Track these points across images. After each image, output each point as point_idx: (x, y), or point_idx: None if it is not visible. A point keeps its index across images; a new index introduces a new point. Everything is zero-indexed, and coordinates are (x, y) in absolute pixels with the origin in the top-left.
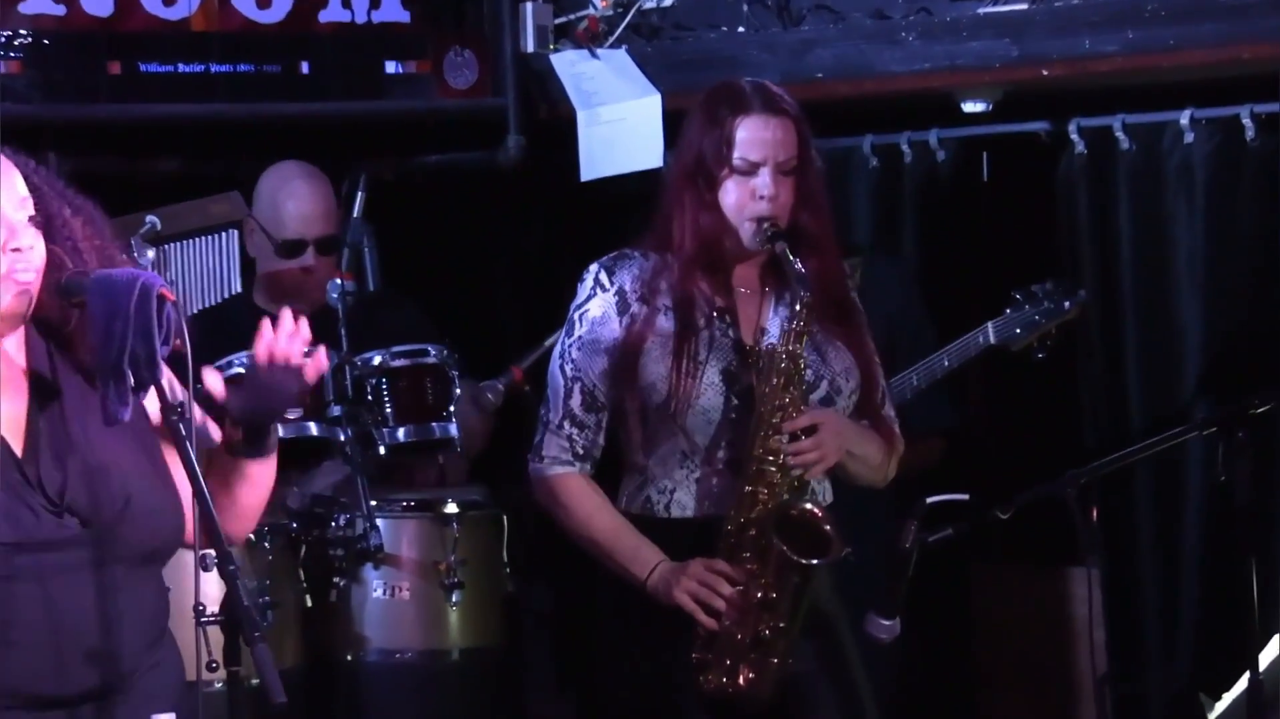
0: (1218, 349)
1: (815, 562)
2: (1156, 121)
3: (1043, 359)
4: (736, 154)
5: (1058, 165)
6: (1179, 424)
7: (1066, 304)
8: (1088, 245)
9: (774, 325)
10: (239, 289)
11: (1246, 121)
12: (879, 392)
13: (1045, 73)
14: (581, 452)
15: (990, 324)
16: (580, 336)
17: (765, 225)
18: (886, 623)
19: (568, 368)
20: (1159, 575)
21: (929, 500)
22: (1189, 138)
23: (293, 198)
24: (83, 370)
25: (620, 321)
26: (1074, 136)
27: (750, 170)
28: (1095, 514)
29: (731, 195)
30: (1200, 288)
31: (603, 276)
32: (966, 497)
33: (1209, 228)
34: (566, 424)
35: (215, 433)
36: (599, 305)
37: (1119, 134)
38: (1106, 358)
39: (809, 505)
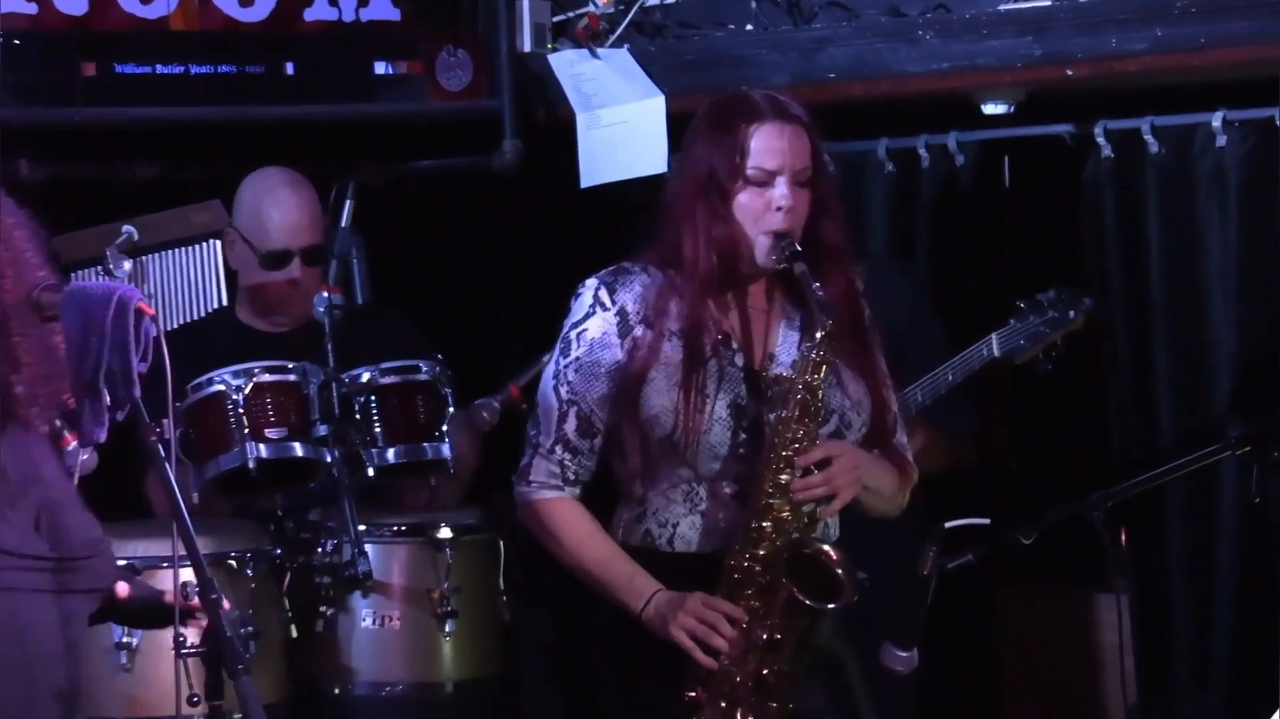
0: (1252, 362)
1: (827, 606)
2: (1187, 124)
3: (1050, 371)
4: (751, 164)
5: (1083, 170)
6: (1211, 442)
7: (1072, 313)
8: (1115, 254)
9: (784, 350)
10: (222, 302)
11: None
12: (891, 418)
13: (1070, 72)
14: (573, 477)
15: (994, 335)
16: (578, 358)
17: (783, 244)
18: (904, 654)
19: (563, 390)
20: (1191, 601)
21: (947, 524)
22: (1221, 140)
23: (277, 206)
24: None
25: (622, 345)
26: (1100, 140)
27: (766, 180)
28: (1124, 537)
29: (746, 207)
30: (1233, 298)
31: (603, 294)
32: (987, 520)
33: (1242, 234)
34: (559, 449)
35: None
36: (598, 325)
37: (1147, 137)
38: (1135, 372)
39: (823, 545)
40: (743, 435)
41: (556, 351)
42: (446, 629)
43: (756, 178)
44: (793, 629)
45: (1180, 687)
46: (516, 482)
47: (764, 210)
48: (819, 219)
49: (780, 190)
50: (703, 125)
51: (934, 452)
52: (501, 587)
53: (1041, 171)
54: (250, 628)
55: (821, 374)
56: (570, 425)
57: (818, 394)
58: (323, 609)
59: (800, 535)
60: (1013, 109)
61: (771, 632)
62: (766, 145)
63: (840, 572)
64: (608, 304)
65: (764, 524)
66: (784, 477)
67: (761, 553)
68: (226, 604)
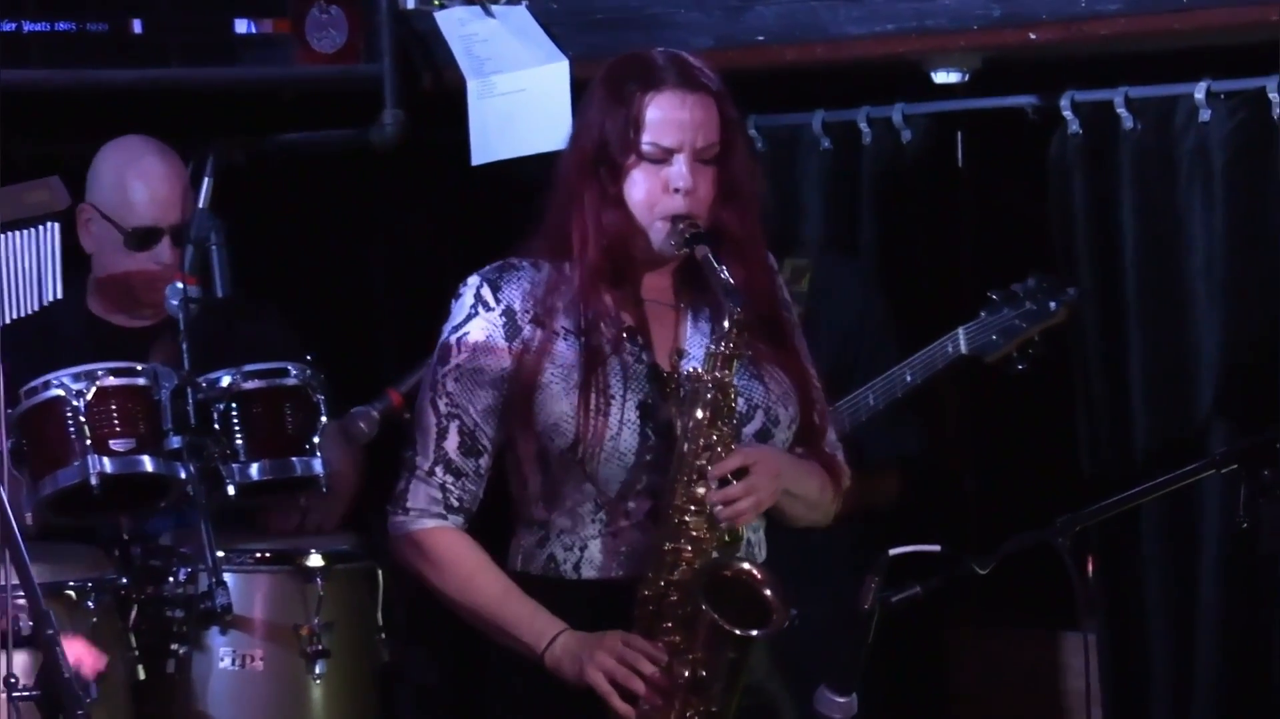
0: (1240, 369)
1: (754, 633)
2: (1167, 95)
3: (1023, 371)
4: (646, 139)
5: (1048, 148)
6: (1193, 460)
7: (1052, 305)
8: (1084, 243)
9: (694, 345)
10: (57, 295)
11: (1274, 96)
12: (818, 415)
13: (1033, 36)
14: (456, 504)
15: (961, 330)
16: (458, 365)
17: (682, 226)
18: (841, 700)
19: (441, 403)
20: (1169, 641)
21: (892, 552)
22: (1205, 115)
23: (143, 177)
24: None
25: (509, 348)
26: (1067, 113)
27: (663, 158)
28: (1092, 567)
29: (640, 188)
30: (1219, 295)
31: (485, 293)
32: (938, 548)
33: (1229, 222)
34: (439, 470)
35: None
36: (481, 328)
37: (1121, 110)
38: (1107, 379)
39: (744, 565)
40: (652, 440)
41: (434, 360)
42: (316, 671)
43: (652, 154)
44: (719, 664)
45: None
46: (391, 510)
47: (660, 192)
48: (725, 204)
49: (678, 169)
50: (597, 91)
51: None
52: (380, 623)
53: (1000, 149)
54: None
55: (732, 369)
56: (451, 443)
57: (729, 393)
58: (175, 647)
59: (720, 556)
60: (967, 78)
61: (695, 668)
62: (665, 117)
63: (768, 592)
64: (491, 304)
65: (679, 545)
66: (699, 489)
67: (677, 578)
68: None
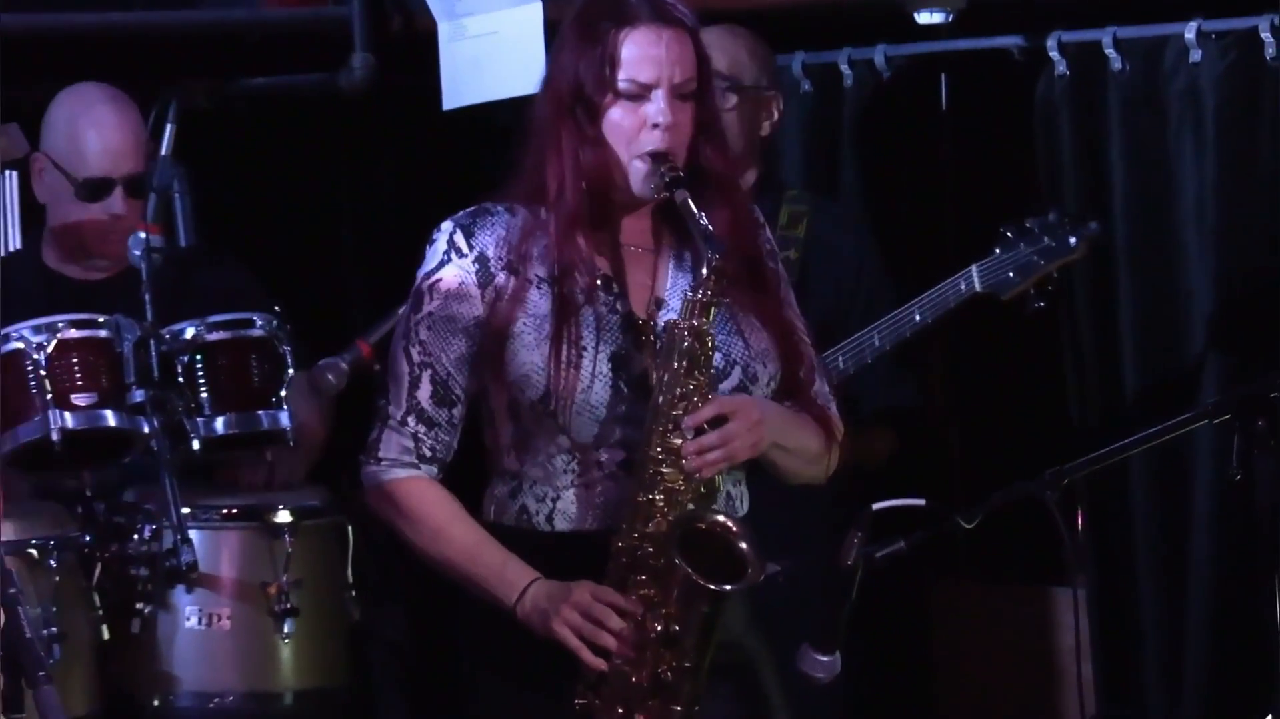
0: (1232, 317)
1: (728, 587)
2: (1156, 36)
3: (1042, 309)
4: (622, 75)
5: (1034, 90)
6: (1184, 410)
7: (1072, 240)
8: (1071, 190)
9: (673, 295)
10: (15, 245)
11: (1266, 36)
12: (805, 366)
13: None
14: (429, 453)
15: (975, 267)
16: (431, 313)
17: (663, 169)
18: (824, 659)
19: (414, 350)
20: (1161, 596)
21: (875, 507)
22: (1196, 55)
23: (96, 126)
24: None
25: (482, 295)
26: (1054, 54)
27: (640, 94)
28: (1081, 521)
29: (618, 126)
30: (1210, 241)
31: (459, 239)
32: (922, 501)
33: (1221, 166)
34: (411, 420)
35: None
36: (454, 275)
37: (1109, 51)
38: (1096, 328)
39: (719, 517)
40: (626, 392)
41: (407, 307)
42: (285, 630)
43: (629, 91)
44: (693, 618)
45: (1148, 696)
46: (364, 459)
47: (638, 129)
48: (702, 141)
49: (657, 105)
50: (569, 31)
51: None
52: (350, 580)
53: (985, 92)
54: (54, 628)
55: (710, 317)
56: (424, 392)
57: (706, 342)
58: (140, 607)
59: (695, 508)
60: (951, 18)
61: (668, 623)
62: (641, 53)
63: (743, 546)
64: (465, 250)
65: (654, 497)
66: (674, 439)
67: (651, 530)
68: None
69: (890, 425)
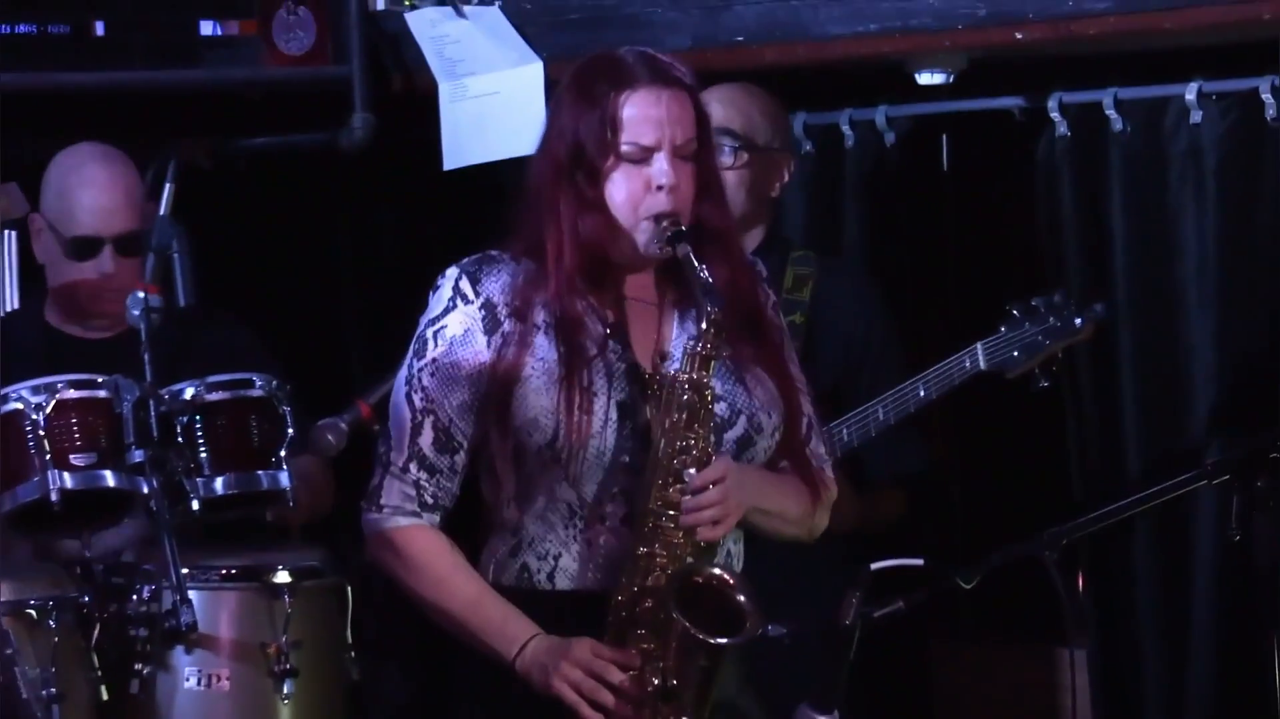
0: (1233, 377)
1: (725, 641)
2: (1157, 96)
3: (1046, 389)
4: (624, 139)
5: (1035, 151)
6: (1185, 469)
7: (1078, 321)
8: (1073, 248)
9: (678, 347)
10: (16, 304)
11: (1266, 97)
12: (803, 425)
13: (1019, 36)
14: (430, 501)
15: (980, 345)
16: (435, 359)
17: (664, 224)
18: (822, 718)
19: (416, 397)
20: (1161, 657)
21: (874, 566)
22: (1196, 116)
23: (86, 186)
24: None
25: (488, 342)
26: (1055, 115)
27: (642, 158)
28: (1081, 582)
29: (622, 190)
30: (1212, 301)
31: (464, 285)
32: (921, 561)
33: (1222, 227)
34: (413, 467)
35: None
36: (460, 321)
37: (1110, 112)
38: (1097, 388)
39: (716, 570)
40: (631, 444)
41: (411, 353)
42: (285, 690)
43: (631, 154)
44: (691, 672)
45: None
46: (365, 507)
47: (643, 192)
48: (702, 200)
49: (660, 167)
50: (566, 93)
51: (844, 506)
52: (349, 640)
53: (986, 152)
54: (53, 689)
55: (710, 371)
56: (426, 439)
57: (706, 395)
58: (138, 667)
59: (694, 562)
60: (953, 79)
61: (666, 677)
62: (642, 116)
63: (741, 599)
64: (470, 296)
65: (654, 550)
66: (673, 493)
67: (650, 584)
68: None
69: (898, 489)
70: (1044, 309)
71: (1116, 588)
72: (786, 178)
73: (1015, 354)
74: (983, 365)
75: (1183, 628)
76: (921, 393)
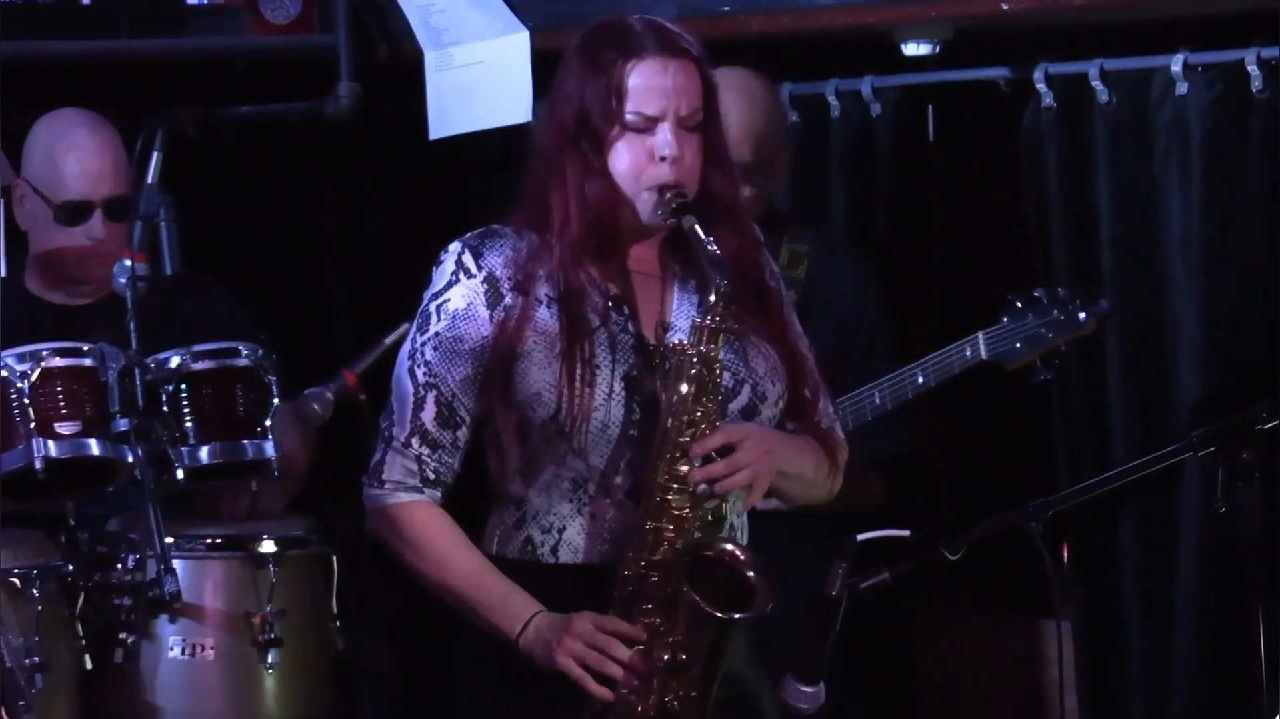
0: (1218, 349)
1: (737, 615)
2: (1143, 68)
3: (1047, 382)
4: (629, 107)
5: (1020, 122)
6: (1170, 440)
7: (1082, 316)
8: (1058, 220)
9: (681, 318)
10: (2, 272)
11: (1252, 68)
12: (810, 387)
13: (1005, 6)
14: (433, 476)
15: (981, 335)
16: (437, 333)
17: (669, 195)
18: (808, 689)
19: (419, 371)
20: (1146, 628)
21: (860, 537)
22: (1182, 88)
23: (74, 150)
24: None
25: (491, 316)
26: (1040, 86)
27: (647, 127)
28: (1067, 553)
29: (625, 159)
30: (1196, 273)
31: (467, 259)
32: (907, 532)
33: (1207, 198)
34: (415, 442)
35: None
36: (462, 295)
37: (1096, 83)
38: (1082, 361)
39: (728, 545)
40: (637, 415)
41: (414, 327)
42: (269, 660)
43: (636, 124)
44: (700, 647)
45: None
46: (367, 482)
47: (646, 162)
48: (709, 170)
49: (664, 138)
50: (573, 61)
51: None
52: (334, 611)
53: (972, 123)
54: (36, 658)
55: (718, 344)
56: (428, 414)
57: (715, 367)
58: (123, 636)
59: (703, 536)
60: (938, 49)
61: (675, 651)
62: (648, 85)
63: (751, 574)
64: (473, 270)
65: (661, 524)
66: (681, 466)
67: (658, 558)
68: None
69: (882, 471)
70: (1047, 301)
71: (1102, 559)
72: (784, 168)
73: (1018, 346)
74: (984, 355)
75: (1168, 599)
76: (920, 379)
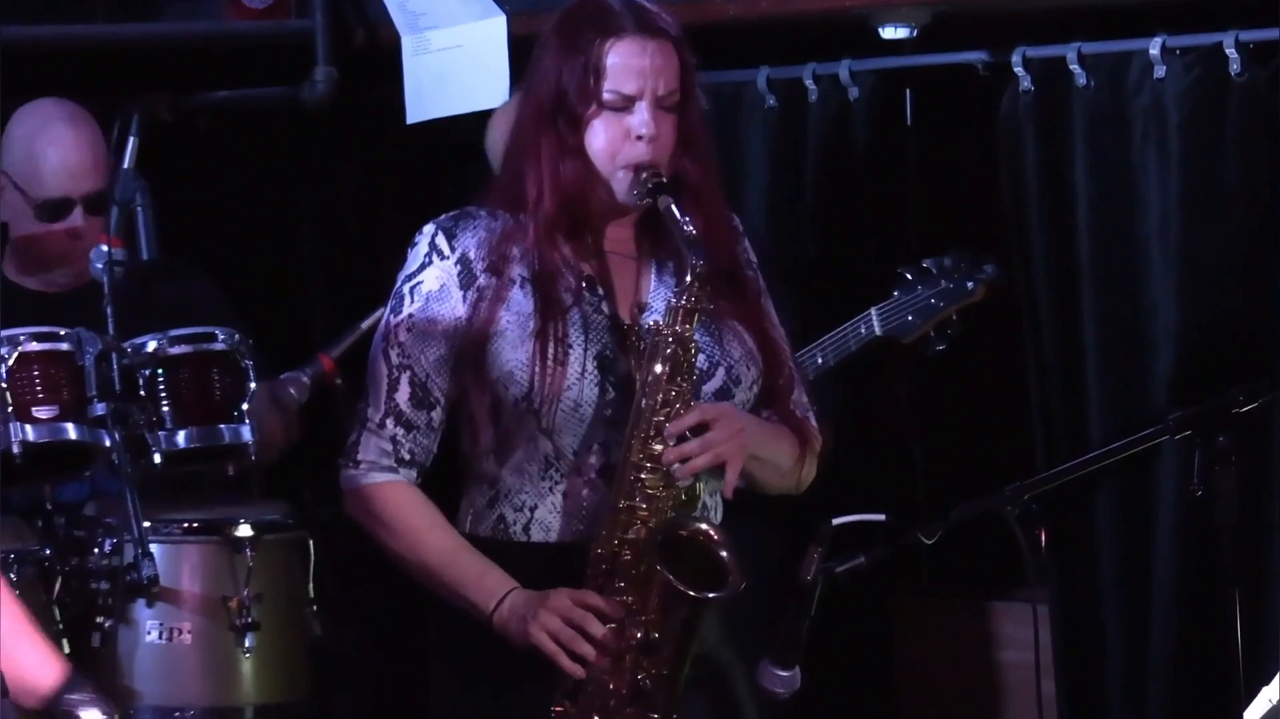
0: (1195, 334)
1: (710, 595)
2: (1121, 51)
3: (943, 352)
4: (606, 86)
5: (998, 106)
6: (1147, 425)
7: (970, 284)
8: (1035, 206)
9: (656, 299)
10: None
11: (1231, 52)
12: (784, 374)
13: None
14: (407, 457)
15: (874, 310)
16: (411, 314)
17: (645, 175)
18: (784, 674)
19: (393, 353)
20: (1123, 612)
21: (836, 522)
22: (1160, 71)
23: (54, 145)
24: None
25: (464, 297)
26: (1019, 70)
27: (624, 106)
28: (1044, 537)
29: (601, 137)
30: (1174, 258)
31: (440, 240)
32: (883, 516)
33: (1185, 182)
34: (390, 423)
35: None
36: (435, 277)
37: (1074, 67)
38: (1059, 345)
39: (701, 525)
40: (611, 394)
41: (387, 309)
42: (246, 644)
43: (613, 103)
44: (672, 626)
45: (1110, 712)
46: (342, 463)
47: (622, 141)
48: (685, 152)
49: (640, 117)
50: (552, 39)
51: None
52: (311, 595)
53: (950, 107)
54: None
55: (693, 324)
56: (402, 394)
57: (690, 348)
58: (100, 620)
59: (677, 516)
60: (916, 33)
61: (648, 630)
62: (625, 64)
63: (724, 554)
64: (446, 251)
65: (635, 503)
66: (655, 446)
67: (632, 537)
68: None
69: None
70: (936, 271)
71: (1079, 543)
72: None
73: (910, 318)
74: (878, 330)
75: (1144, 583)
76: (819, 360)
